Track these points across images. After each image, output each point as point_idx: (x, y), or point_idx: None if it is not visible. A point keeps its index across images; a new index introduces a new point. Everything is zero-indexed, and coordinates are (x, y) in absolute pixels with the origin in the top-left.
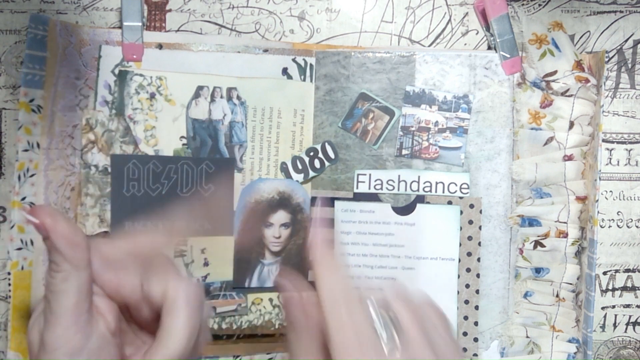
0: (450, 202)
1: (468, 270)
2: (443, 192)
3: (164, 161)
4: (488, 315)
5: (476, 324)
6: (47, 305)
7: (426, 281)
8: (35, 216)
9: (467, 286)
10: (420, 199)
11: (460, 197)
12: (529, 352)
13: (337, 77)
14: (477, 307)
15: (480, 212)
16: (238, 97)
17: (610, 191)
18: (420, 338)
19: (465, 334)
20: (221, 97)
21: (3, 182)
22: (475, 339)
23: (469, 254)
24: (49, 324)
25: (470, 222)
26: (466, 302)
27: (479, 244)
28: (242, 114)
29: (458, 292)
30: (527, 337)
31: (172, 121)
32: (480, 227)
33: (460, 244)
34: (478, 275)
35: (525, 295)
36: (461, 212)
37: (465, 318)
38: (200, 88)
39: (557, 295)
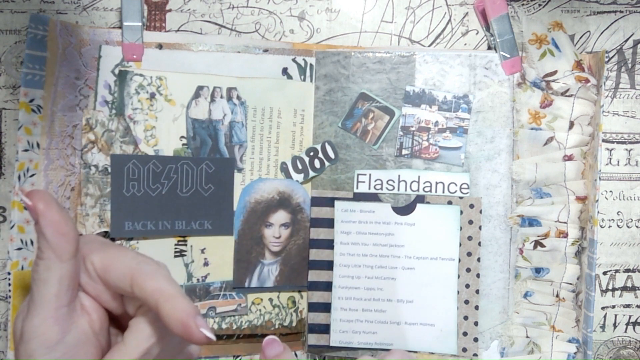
0: (450, 202)
1: (468, 270)
2: (443, 192)
3: (164, 161)
4: (488, 315)
5: (476, 324)
6: (30, 294)
7: (426, 281)
8: (30, 198)
9: (467, 286)
10: (420, 199)
11: (460, 197)
12: (529, 352)
13: (337, 77)
14: (477, 307)
15: (480, 212)
16: (238, 97)
17: (610, 191)
18: None
19: (465, 334)
20: (221, 97)
21: (3, 182)
22: (475, 339)
23: (469, 254)
24: (29, 313)
25: (470, 222)
26: (466, 302)
27: (479, 244)
28: (242, 114)
29: (458, 292)
30: (527, 337)
31: (172, 121)
32: (480, 227)
33: (460, 244)
34: (478, 275)
35: (525, 295)
36: (461, 212)
37: (465, 318)
38: (200, 88)
39: (557, 295)
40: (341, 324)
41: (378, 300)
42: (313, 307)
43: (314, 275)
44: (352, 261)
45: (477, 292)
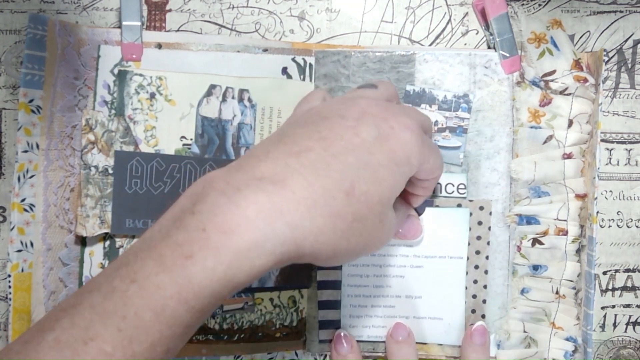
0: (459, 205)
1: (476, 267)
2: (440, 192)
3: (168, 160)
4: (488, 310)
5: (483, 316)
6: None
7: (434, 278)
8: None
9: (475, 282)
10: (429, 203)
11: (461, 198)
12: (526, 347)
13: (337, 76)
14: (484, 301)
15: (490, 213)
16: (249, 100)
17: (610, 191)
18: None
19: (472, 325)
20: (232, 97)
21: (3, 182)
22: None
23: (478, 252)
24: None
25: (480, 223)
26: (474, 296)
27: (488, 243)
28: (251, 117)
29: (466, 288)
30: (525, 332)
31: (176, 120)
32: (489, 228)
33: (469, 243)
34: (486, 272)
35: (522, 291)
36: (470, 214)
37: (473, 311)
38: (213, 87)
39: (557, 292)
40: (351, 319)
41: (387, 297)
42: (323, 305)
43: (322, 275)
44: (360, 261)
45: (485, 287)
